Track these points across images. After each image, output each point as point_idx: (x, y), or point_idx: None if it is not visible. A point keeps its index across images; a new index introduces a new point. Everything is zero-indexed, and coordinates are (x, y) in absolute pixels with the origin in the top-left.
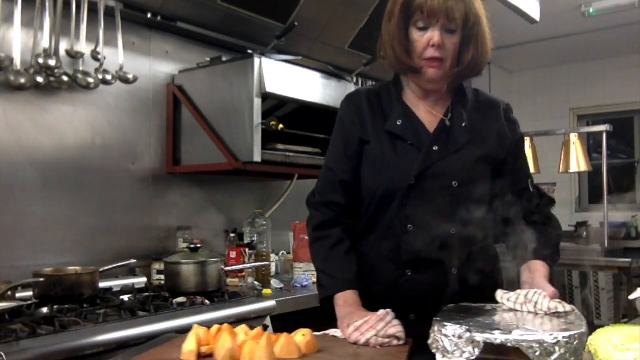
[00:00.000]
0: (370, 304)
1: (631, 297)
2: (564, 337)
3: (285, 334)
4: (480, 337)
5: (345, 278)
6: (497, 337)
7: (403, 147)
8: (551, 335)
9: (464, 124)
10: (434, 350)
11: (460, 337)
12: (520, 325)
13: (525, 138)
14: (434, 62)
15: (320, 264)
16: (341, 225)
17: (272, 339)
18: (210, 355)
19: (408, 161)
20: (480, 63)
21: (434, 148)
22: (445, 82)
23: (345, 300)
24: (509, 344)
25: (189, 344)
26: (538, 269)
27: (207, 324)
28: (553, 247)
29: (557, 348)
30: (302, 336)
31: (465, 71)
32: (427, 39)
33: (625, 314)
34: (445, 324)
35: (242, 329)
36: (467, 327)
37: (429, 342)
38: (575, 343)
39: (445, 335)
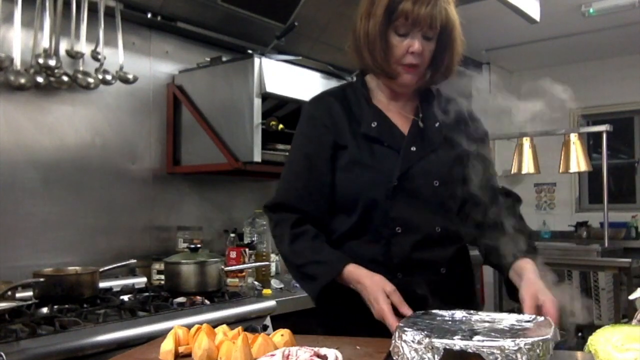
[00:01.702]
0: (363, 310)
1: (631, 297)
2: (526, 344)
3: (262, 334)
4: (439, 343)
5: (341, 256)
6: (457, 343)
7: (380, 150)
8: (513, 341)
9: (437, 124)
10: (394, 357)
11: (419, 343)
12: (483, 332)
13: (525, 138)
14: (411, 68)
15: (308, 256)
16: (313, 224)
17: (249, 339)
18: (189, 355)
19: (388, 163)
20: (452, 68)
21: (412, 149)
22: (417, 85)
23: (355, 271)
24: (469, 350)
25: (167, 344)
26: (524, 267)
27: (207, 324)
28: (528, 244)
29: (519, 355)
30: (280, 336)
31: (439, 76)
32: (406, 45)
33: (625, 314)
34: (406, 329)
35: (221, 329)
36: (427, 333)
37: (390, 348)
38: (538, 350)
39: (405, 342)
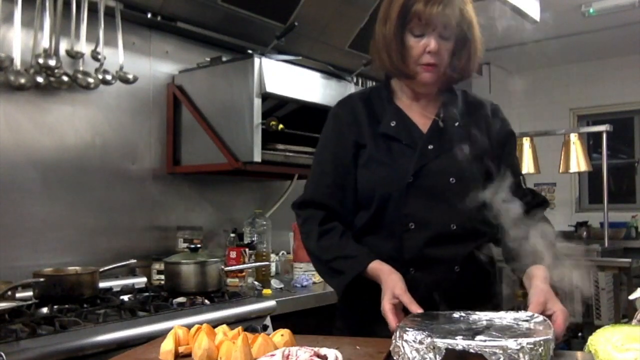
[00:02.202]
0: (376, 305)
1: (631, 297)
2: (528, 343)
3: (262, 334)
4: (441, 343)
5: (367, 252)
6: (459, 343)
7: (398, 148)
8: (515, 341)
9: (456, 124)
10: (395, 357)
11: (421, 343)
12: (484, 332)
13: (525, 138)
14: (429, 67)
15: (335, 252)
16: (339, 221)
17: (249, 339)
18: (189, 355)
19: (404, 161)
20: (472, 67)
21: (429, 147)
22: (438, 85)
23: (378, 267)
24: (471, 350)
25: (167, 344)
26: (535, 274)
27: (207, 324)
28: (549, 250)
29: (521, 355)
30: (280, 336)
31: (458, 75)
32: (423, 45)
33: (625, 314)
34: (407, 329)
35: (221, 329)
36: (428, 333)
37: (391, 348)
38: (540, 349)
39: (406, 341)
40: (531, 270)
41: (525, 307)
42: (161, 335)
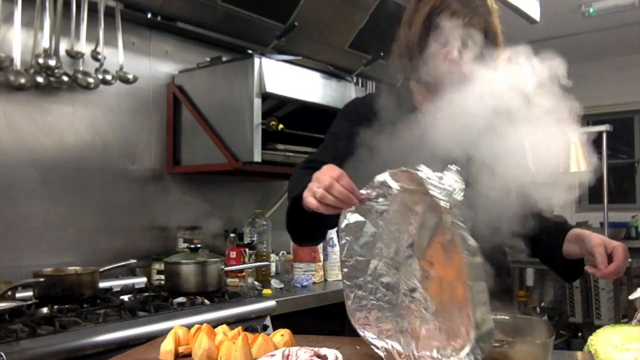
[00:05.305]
0: None
1: (631, 297)
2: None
3: (262, 334)
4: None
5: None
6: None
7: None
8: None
9: None
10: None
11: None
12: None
13: None
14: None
15: (301, 176)
16: None
17: (249, 339)
18: (189, 355)
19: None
20: None
21: None
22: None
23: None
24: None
25: (167, 344)
26: (581, 232)
27: (207, 324)
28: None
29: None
30: (280, 336)
31: None
32: (444, 53)
33: (625, 314)
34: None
35: (221, 328)
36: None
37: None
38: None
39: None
40: (571, 234)
41: (525, 306)
42: (161, 335)
